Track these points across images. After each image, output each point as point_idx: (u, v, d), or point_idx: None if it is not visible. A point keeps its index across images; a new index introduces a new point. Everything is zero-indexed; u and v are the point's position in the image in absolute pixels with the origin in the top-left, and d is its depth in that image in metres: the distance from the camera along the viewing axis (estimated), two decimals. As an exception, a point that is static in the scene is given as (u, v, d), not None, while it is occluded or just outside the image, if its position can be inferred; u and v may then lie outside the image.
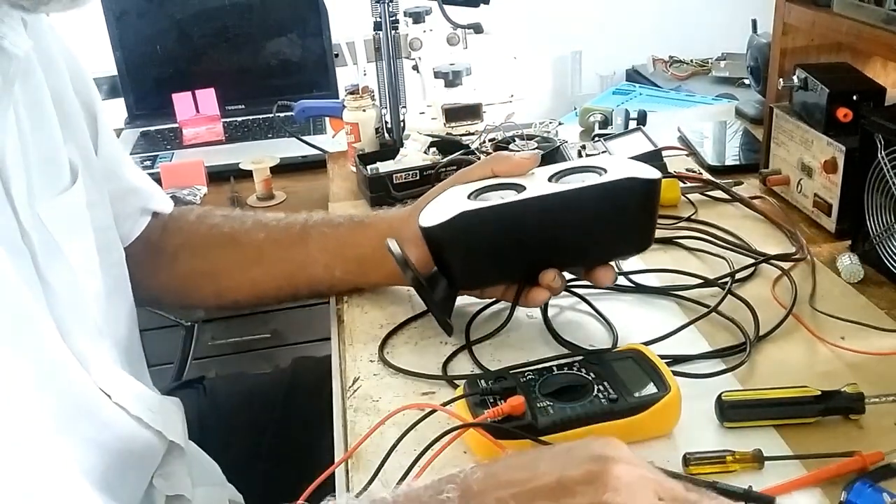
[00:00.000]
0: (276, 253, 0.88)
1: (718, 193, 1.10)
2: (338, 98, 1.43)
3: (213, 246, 0.89)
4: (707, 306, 0.84)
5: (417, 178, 1.13)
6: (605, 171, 0.78)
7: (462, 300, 0.84)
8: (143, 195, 0.88)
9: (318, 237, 0.88)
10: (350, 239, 0.87)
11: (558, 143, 1.21)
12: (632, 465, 0.48)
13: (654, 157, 1.12)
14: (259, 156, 1.40)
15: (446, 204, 0.78)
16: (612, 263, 0.82)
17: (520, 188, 0.77)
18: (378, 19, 1.22)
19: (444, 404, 0.67)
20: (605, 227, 0.77)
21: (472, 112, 1.34)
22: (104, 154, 0.79)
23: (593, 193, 0.76)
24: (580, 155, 1.18)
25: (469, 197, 0.78)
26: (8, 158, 0.59)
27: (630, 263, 0.92)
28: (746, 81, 1.84)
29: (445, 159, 1.14)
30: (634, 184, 0.76)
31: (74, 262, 0.65)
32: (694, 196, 1.10)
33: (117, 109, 1.75)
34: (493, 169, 0.81)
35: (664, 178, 0.83)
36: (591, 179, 0.77)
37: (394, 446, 0.63)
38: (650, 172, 0.77)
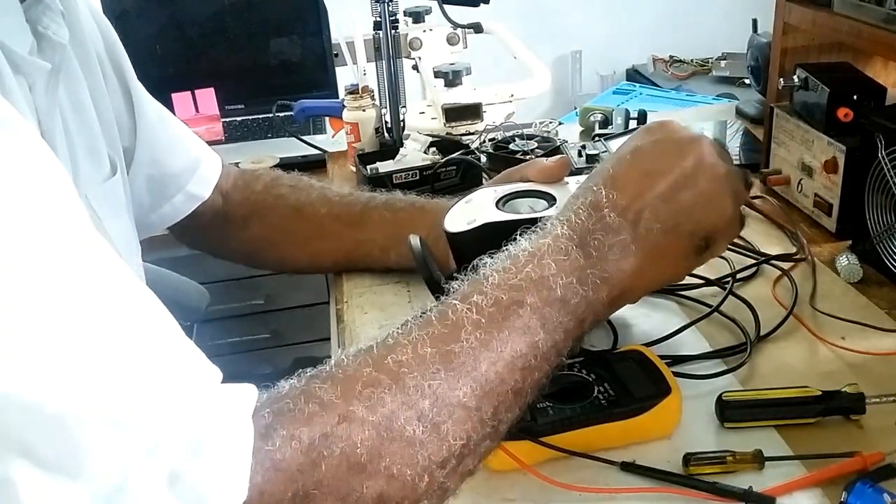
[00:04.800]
0: (336, 230, 0.90)
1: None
2: (338, 98, 1.43)
3: (279, 217, 0.92)
4: (708, 306, 0.84)
5: (417, 177, 1.13)
6: None
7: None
8: (183, 178, 0.87)
9: (378, 220, 0.89)
10: (408, 224, 0.87)
11: (558, 143, 1.21)
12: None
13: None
14: (259, 156, 1.40)
15: (473, 209, 0.77)
16: None
17: (550, 199, 0.76)
18: (378, 19, 1.22)
19: (444, 405, 0.67)
20: None
21: (472, 112, 1.33)
22: (143, 139, 0.81)
23: None
24: (580, 155, 1.18)
25: (497, 203, 0.77)
26: (57, 144, 0.60)
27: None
28: (747, 81, 1.84)
29: (445, 159, 1.14)
30: None
31: (117, 246, 0.66)
32: (694, 196, 1.09)
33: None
34: (527, 174, 0.79)
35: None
36: None
37: (394, 447, 0.63)
38: None
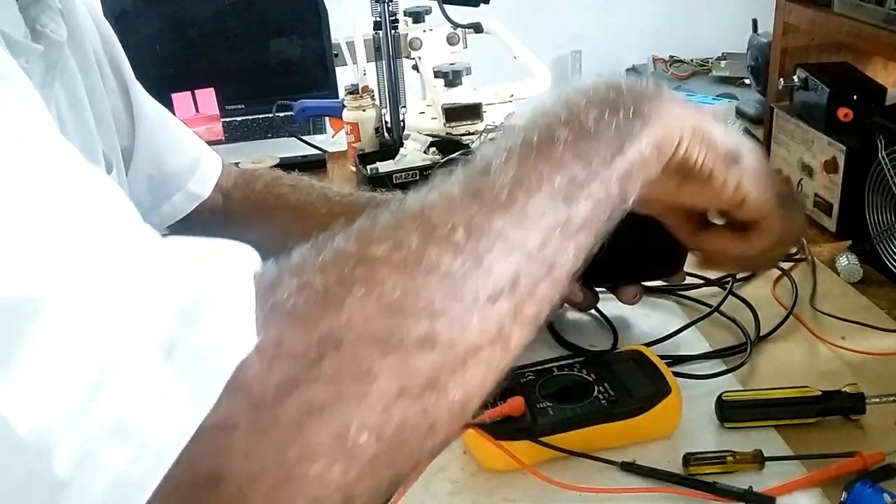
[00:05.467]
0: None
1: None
2: (338, 98, 1.43)
3: (279, 217, 0.90)
4: (708, 306, 0.84)
5: (417, 178, 1.13)
6: None
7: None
8: (183, 178, 0.87)
9: None
10: None
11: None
12: None
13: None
14: (259, 156, 1.40)
15: None
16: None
17: None
18: (378, 19, 1.22)
19: (444, 405, 0.67)
20: (636, 250, 0.77)
21: (472, 112, 1.33)
22: (143, 138, 0.80)
23: (627, 217, 0.76)
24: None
25: None
26: None
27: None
28: (747, 81, 1.84)
29: (445, 159, 1.14)
30: None
31: None
32: (694, 196, 1.10)
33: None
34: None
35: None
36: None
37: (393, 447, 0.63)
38: None
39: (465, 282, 0.38)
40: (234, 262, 0.36)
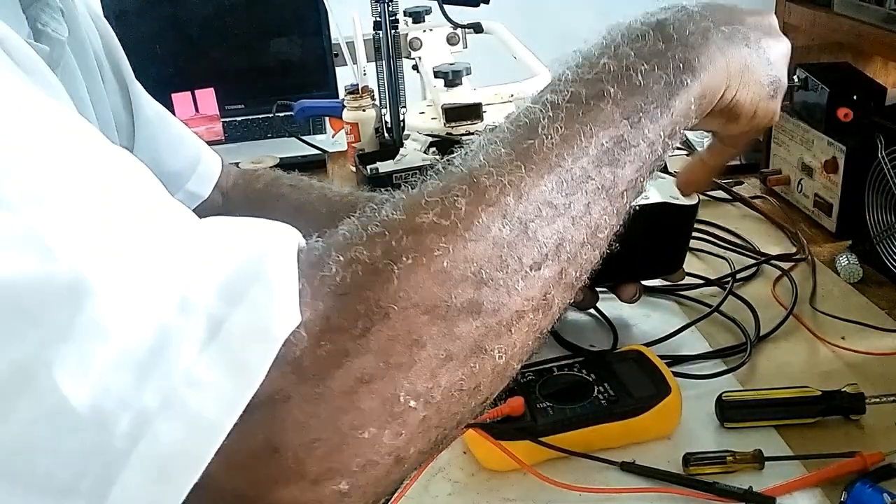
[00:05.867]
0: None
1: (719, 193, 1.10)
2: (338, 98, 1.43)
3: (279, 217, 0.88)
4: (708, 306, 0.84)
5: (417, 178, 1.13)
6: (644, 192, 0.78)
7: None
8: (183, 177, 0.87)
9: None
10: None
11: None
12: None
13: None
14: (259, 156, 1.40)
15: None
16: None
17: None
18: (378, 19, 1.22)
19: (444, 405, 0.67)
20: (636, 248, 0.77)
21: (472, 112, 1.33)
22: (142, 138, 0.80)
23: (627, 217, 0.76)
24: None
25: None
26: None
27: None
28: (746, 81, 1.84)
29: (445, 159, 1.14)
30: (669, 209, 0.75)
31: None
32: (694, 196, 1.10)
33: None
34: None
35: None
36: None
37: (393, 447, 0.63)
38: (686, 199, 0.76)
39: (511, 249, 0.38)
40: (276, 239, 0.37)
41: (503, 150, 0.42)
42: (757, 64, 0.53)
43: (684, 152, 1.27)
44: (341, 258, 0.36)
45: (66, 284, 0.31)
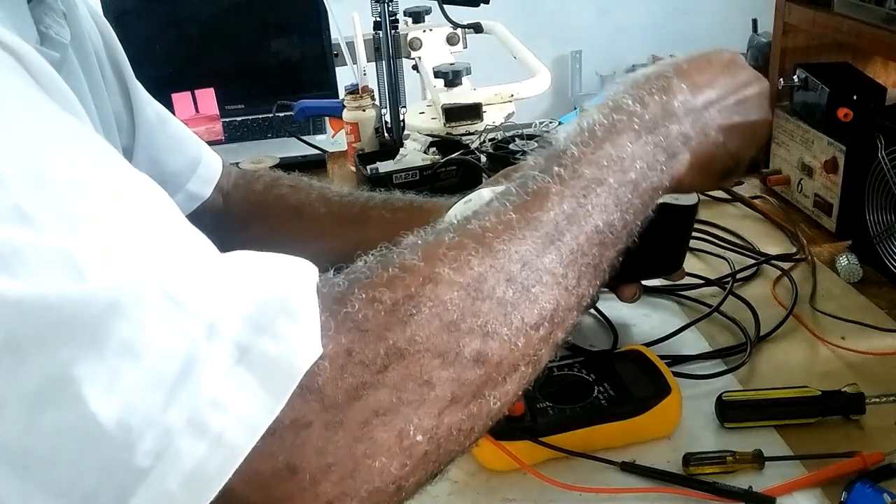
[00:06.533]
0: (335, 230, 0.89)
1: (719, 193, 1.10)
2: (338, 98, 1.43)
3: (280, 217, 0.91)
4: (708, 306, 0.84)
5: (417, 177, 1.13)
6: None
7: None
8: (183, 178, 0.87)
9: (377, 219, 0.89)
10: (407, 224, 0.87)
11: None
12: None
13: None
14: (258, 156, 1.40)
15: (473, 209, 0.76)
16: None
17: None
18: (378, 19, 1.22)
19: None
20: (636, 248, 0.77)
21: (472, 112, 1.33)
22: (143, 138, 0.81)
23: None
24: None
25: None
26: None
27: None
28: (746, 81, 1.84)
29: (445, 159, 1.14)
30: (669, 209, 0.75)
31: None
32: (694, 196, 1.10)
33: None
34: None
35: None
36: None
37: (394, 447, 0.63)
38: (686, 199, 0.76)
39: (514, 310, 0.43)
40: (298, 273, 0.40)
41: (513, 215, 0.46)
42: (744, 116, 0.60)
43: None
44: (364, 296, 0.39)
45: (98, 304, 0.33)
